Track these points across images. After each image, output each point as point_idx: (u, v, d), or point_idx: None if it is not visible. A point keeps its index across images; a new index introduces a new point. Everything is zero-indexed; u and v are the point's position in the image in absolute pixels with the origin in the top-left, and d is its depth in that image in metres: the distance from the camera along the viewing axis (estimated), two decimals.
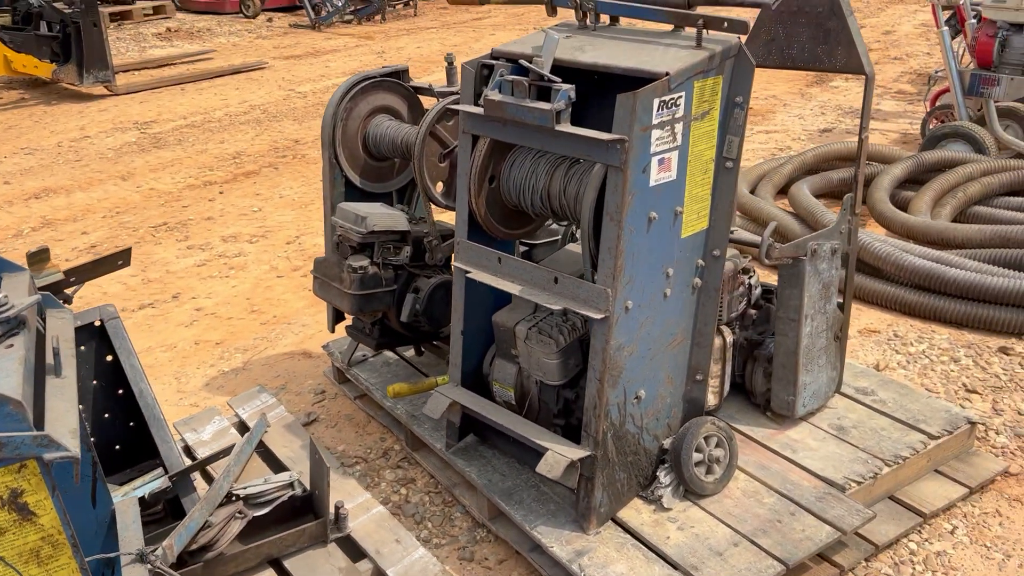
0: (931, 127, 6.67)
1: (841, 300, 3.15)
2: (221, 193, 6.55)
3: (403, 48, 11.82)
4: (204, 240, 5.64)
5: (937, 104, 6.70)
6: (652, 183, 2.38)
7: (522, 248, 3.37)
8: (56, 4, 9.45)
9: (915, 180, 5.58)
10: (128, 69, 10.80)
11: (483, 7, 13.09)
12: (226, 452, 2.71)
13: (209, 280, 5.05)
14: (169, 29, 13.23)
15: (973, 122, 6.03)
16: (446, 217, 3.41)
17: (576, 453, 2.52)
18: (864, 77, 2.88)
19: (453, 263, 2.79)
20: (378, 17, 14.03)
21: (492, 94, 2.49)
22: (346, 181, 3.40)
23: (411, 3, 14.58)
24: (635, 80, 2.37)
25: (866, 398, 3.25)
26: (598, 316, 2.40)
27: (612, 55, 2.47)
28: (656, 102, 2.29)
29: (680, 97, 2.35)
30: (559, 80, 2.37)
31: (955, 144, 5.81)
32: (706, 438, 2.75)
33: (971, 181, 5.31)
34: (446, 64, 3.39)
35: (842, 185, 5.65)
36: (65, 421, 1.41)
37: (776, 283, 3.05)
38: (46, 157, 7.63)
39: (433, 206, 3.19)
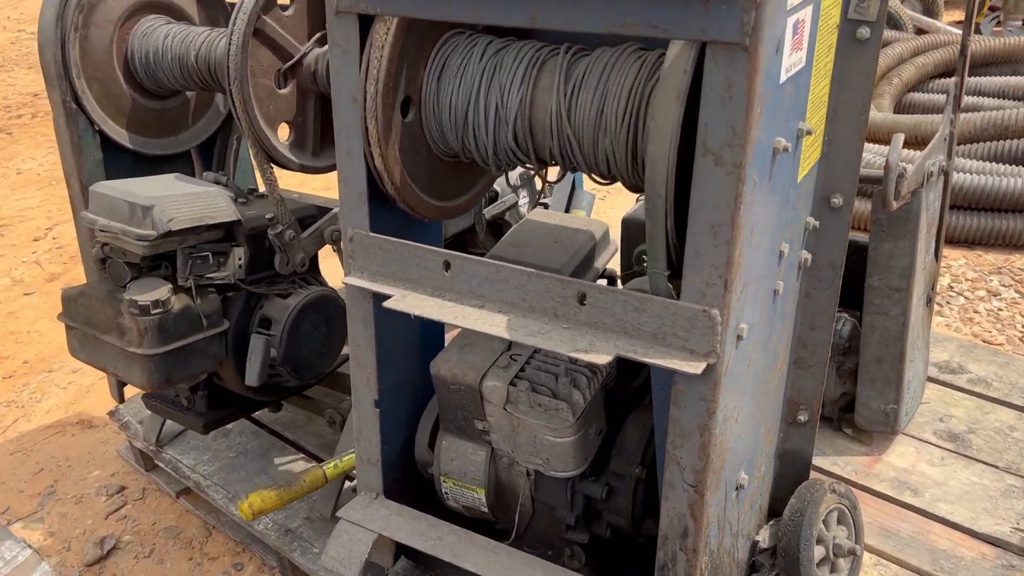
0: None
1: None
2: None
3: None
4: None
5: None
6: (783, 77, 1.13)
7: None
8: None
9: None
10: None
11: None
12: None
13: None
14: None
15: None
16: (303, 186, 2.02)
17: None
18: None
19: (345, 280, 1.43)
20: None
21: None
22: (103, 139, 1.91)
23: None
24: None
25: (959, 379, 2.25)
26: (695, 369, 1.14)
27: None
28: None
29: None
30: None
31: None
32: (826, 518, 1.61)
33: (903, 63, 4.46)
34: None
35: None
36: None
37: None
38: None
39: (277, 169, 1.78)
